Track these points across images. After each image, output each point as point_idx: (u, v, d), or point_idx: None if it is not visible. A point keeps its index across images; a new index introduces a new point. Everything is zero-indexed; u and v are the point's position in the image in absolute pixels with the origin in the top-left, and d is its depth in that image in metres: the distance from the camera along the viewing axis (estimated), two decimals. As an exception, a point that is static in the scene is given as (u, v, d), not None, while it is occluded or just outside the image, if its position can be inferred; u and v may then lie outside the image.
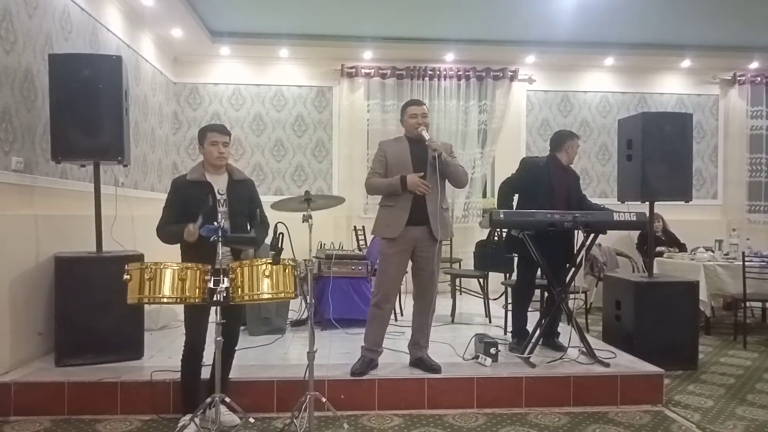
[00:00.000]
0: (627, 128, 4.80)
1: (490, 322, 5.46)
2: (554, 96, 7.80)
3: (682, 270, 5.61)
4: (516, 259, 4.66)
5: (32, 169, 3.95)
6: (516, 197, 4.50)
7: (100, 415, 3.41)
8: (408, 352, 3.88)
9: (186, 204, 3.14)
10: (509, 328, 4.71)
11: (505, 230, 4.75)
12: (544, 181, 4.31)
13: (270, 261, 2.85)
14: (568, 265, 4.27)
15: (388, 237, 3.70)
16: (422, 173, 3.64)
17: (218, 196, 3.20)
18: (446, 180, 3.75)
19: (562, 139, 4.44)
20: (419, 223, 3.67)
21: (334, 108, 7.54)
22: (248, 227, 3.29)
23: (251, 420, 3.11)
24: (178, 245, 3.17)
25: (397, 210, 3.67)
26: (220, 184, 3.24)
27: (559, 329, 4.48)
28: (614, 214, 4.12)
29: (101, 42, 5.02)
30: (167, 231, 3.14)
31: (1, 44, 3.64)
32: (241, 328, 3.93)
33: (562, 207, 4.17)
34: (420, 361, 3.77)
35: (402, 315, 5.35)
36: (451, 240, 7.32)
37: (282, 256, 2.88)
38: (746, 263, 5.14)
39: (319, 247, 5.61)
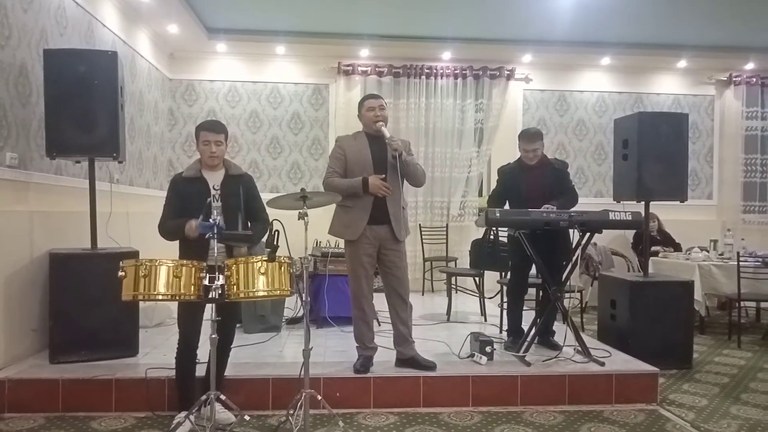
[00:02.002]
0: (623, 128, 4.81)
1: (485, 320, 5.46)
2: (551, 95, 7.81)
3: (677, 270, 5.63)
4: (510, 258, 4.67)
5: (27, 165, 3.93)
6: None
7: (94, 412, 3.40)
8: (394, 349, 3.83)
9: (183, 201, 3.14)
10: (505, 327, 4.72)
11: (505, 233, 4.76)
12: (515, 185, 4.35)
13: (265, 258, 2.84)
14: (564, 263, 4.28)
15: (348, 239, 3.69)
16: (383, 175, 3.62)
17: (213, 192, 3.19)
18: (405, 179, 3.74)
19: (518, 141, 4.49)
20: (380, 222, 3.66)
21: (331, 106, 7.53)
22: (241, 222, 3.26)
23: (246, 417, 3.10)
24: (177, 242, 3.17)
25: (357, 210, 3.65)
26: (215, 179, 3.23)
27: (554, 328, 4.48)
28: (610, 213, 4.13)
29: (97, 38, 5.00)
30: (168, 227, 3.14)
31: (-5, 39, 3.62)
32: (237, 325, 3.92)
33: (538, 207, 4.12)
34: (414, 361, 3.75)
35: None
36: (447, 238, 7.35)
37: (277, 254, 2.88)
38: (741, 263, 5.15)
39: (314, 245, 5.60)
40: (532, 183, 4.32)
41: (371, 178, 3.59)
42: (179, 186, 3.21)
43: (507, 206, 4.46)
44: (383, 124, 3.68)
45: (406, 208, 3.82)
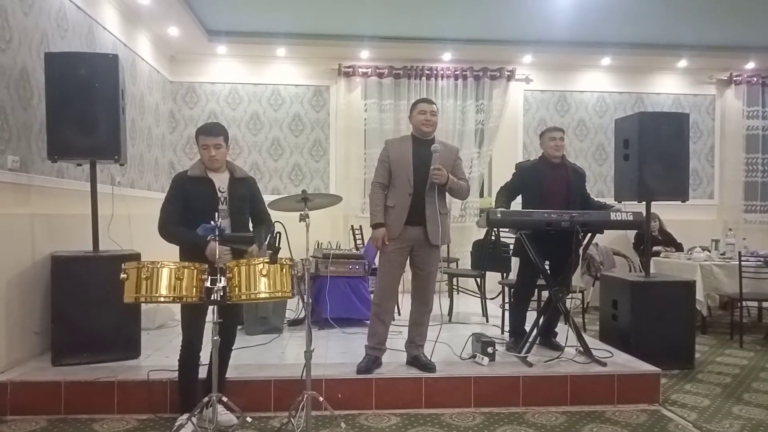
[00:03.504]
0: (624, 128, 4.80)
1: (487, 321, 5.47)
2: (551, 96, 7.81)
3: (678, 269, 5.62)
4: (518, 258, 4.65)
5: (28, 168, 3.93)
6: (519, 201, 4.49)
7: (96, 414, 3.40)
8: (405, 350, 3.88)
9: (187, 200, 3.14)
10: (506, 328, 4.71)
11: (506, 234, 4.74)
12: (534, 181, 4.33)
13: (267, 260, 2.84)
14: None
15: (389, 237, 3.71)
16: (389, 243, 3.67)
17: (219, 194, 3.19)
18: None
19: (540, 138, 4.52)
20: (417, 223, 3.69)
21: (332, 107, 7.53)
22: (249, 225, 3.29)
23: (248, 419, 3.11)
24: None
25: (397, 210, 3.69)
26: (221, 181, 3.23)
27: (556, 329, 4.48)
28: (611, 213, 4.13)
29: (97, 40, 5.01)
30: (176, 235, 3.11)
31: (-3, 42, 3.63)
32: (239, 327, 3.93)
33: (559, 205, 4.13)
34: (415, 360, 3.78)
35: (399, 314, 5.35)
36: (448, 239, 7.34)
37: (279, 256, 2.88)
38: (742, 263, 5.15)
39: (316, 247, 5.61)
40: (555, 180, 4.31)
41: (378, 231, 3.68)
42: (184, 185, 3.19)
43: (520, 201, 4.45)
44: (438, 152, 3.68)
45: (446, 214, 3.84)
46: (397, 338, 4.23)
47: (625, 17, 6.15)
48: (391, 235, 3.69)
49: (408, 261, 3.81)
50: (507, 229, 4.72)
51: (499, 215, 3.99)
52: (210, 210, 3.00)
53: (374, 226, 3.73)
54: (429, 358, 3.81)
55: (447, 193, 3.79)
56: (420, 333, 3.83)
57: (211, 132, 3.21)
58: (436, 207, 3.69)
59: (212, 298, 2.78)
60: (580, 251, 4.23)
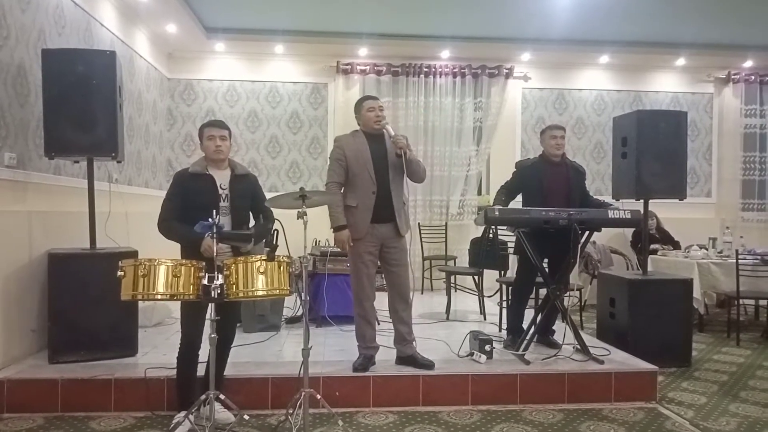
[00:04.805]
0: (622, 126, 4.81)
1: (484, 319, 5.46)
2: (549, 93, 7.81)
3: (676, 267, 5.63)
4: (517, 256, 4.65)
5: (25, 165, 3.92)
6: (519, 200, 4.48)
7: (93, 412, 3.40)
8: (396, 348, 3.84)
9: (187, 197, 3.14)
10: (504, 325, 4.71)
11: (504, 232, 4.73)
12: (535, 180, 4.32)
13: (265, 258, 2.84)
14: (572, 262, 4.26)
15: (353, 237, 3.69)
16: (352, 243, 3.66)
17: (220, 191, 3.19)
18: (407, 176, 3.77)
19: (540, 136, 4.51)
20: (384, 220, 3.69)
21: (330, 105, 7.52)
22: (250, 222, 3.29)
23: (246, 417, 3.10)
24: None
25: (361, 210, 3.67)
26: (222, 178, 3.23)
27: (554, 326, 4.48)
28: (609, 211, 4.13)
29: (95, 37, 4.99)
30: (174, 231, 3.11)
31: (-7, 39, 3.62)
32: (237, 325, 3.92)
33: (559, 203, 4.13)
34: (412, 359, 3.75)
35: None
36: (446, 237, 7.36)
37: (277, 253, 2.88)
38: (740, 261, 5.16)
39: (314, 244, 5.60)
40: (555, 178, 4.30)
41: (342, 233, 3.64)
42: (185, 182, 3.20)
43: (520, 200, 4.44)
44: (388, 124, 3.73)
45: (407, 204, 3.85)
46: (393, 337, 4.23)
47: (623, 15, 6.15)
48: (356, 235, 3.66)
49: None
50: (505, 227, 4.71)
51: (496, 213, 3.98)
52: (211, 207, 3.00)
53: (336, 229, 3.67)
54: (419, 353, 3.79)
55: (407, 177, 3.73)
56: (408, 330, 3.80)
57: (218, 124, 3.30)
58: (401, 198, 3.73)
59: (210, 295, 2.77)
60: (578, 249, 4.23)
